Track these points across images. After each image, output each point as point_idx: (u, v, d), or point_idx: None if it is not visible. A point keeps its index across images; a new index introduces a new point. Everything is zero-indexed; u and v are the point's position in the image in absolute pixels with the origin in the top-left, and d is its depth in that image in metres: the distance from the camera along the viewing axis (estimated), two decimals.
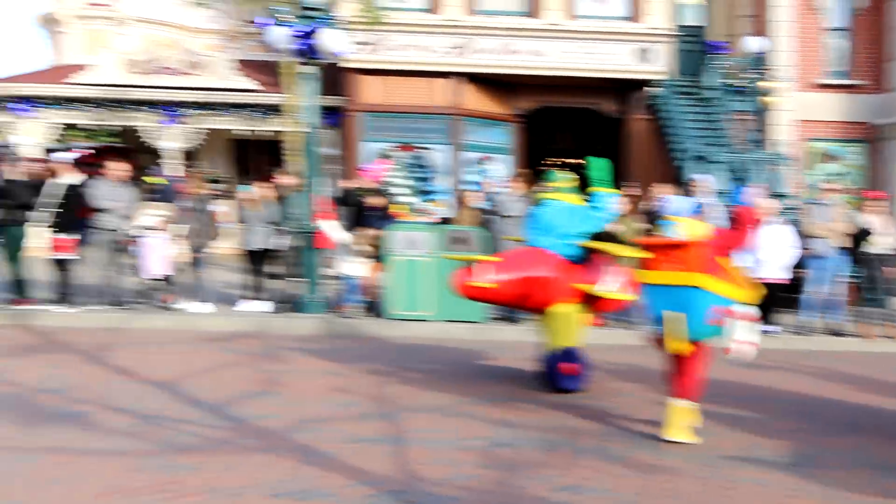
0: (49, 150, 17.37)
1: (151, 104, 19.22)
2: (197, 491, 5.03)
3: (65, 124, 19.81)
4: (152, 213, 11.36)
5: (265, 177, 12.34)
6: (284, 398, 7.30)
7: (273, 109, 18.11)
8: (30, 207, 10.82)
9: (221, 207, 11.91)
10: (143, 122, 19.42)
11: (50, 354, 8.96)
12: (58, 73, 20.24)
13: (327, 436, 6.16)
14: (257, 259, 11.42)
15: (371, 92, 18.71)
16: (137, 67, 19.21)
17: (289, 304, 11.23)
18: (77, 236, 10.86)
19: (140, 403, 6.93)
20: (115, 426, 6.30)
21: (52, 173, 11.21)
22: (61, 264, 11.03)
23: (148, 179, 16.23)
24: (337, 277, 11.32)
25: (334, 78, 18.05)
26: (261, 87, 19.09)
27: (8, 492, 4.97)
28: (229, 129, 20.04)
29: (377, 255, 11.19)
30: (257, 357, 9.03)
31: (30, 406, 6.82)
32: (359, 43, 17.05)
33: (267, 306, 11.24)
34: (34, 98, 19.22)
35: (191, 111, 19.30)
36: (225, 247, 11.85)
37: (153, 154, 19.69)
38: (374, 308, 11.10)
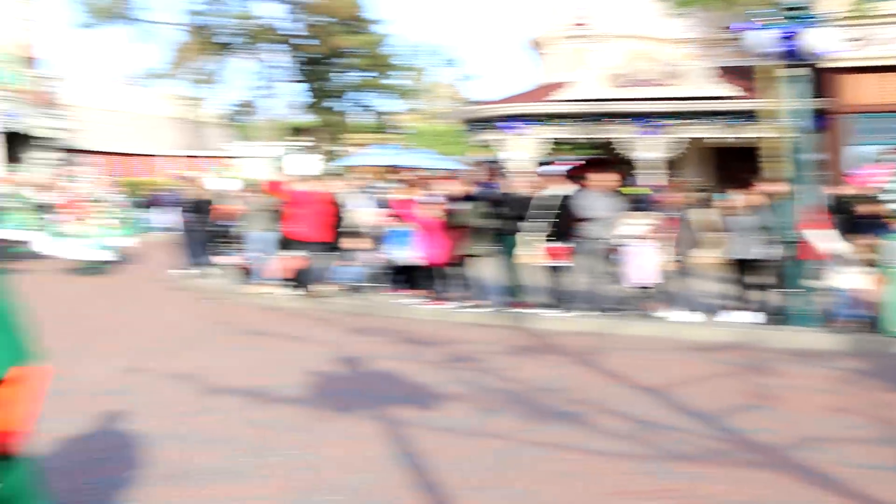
0: (541, 164, 18.60)
1: (630, 116, 19.71)
2: (699, 501, 5.04)
3: (553, 139, 21.08)
4: (634, 223, 11.62)
5: (745, 184, 12.00)
6: (779, 413, 7.04)
7: (752, 115, 17.62)
8: (522, 218, 11.66)
9: (704, 216, 11.81)
10: (621, 133, 19.98)
11: (544, 355, 9.58)
12: (543, 91, 21.62)
13: (830, 458, 5.81)
14: (742, 269, 11.14)
15: (859, 91, 17.45)
16: (617, 81, 19.86)
17: (778, 317, 10.78)
18: (570, 245, 11.46)
19: (633, 408, 7.13)
20: (611, 428, 6.55)
21: (542, 186, 11.96)
22: (555, 271, 11.71)
23: (626, 190, 16.64)
24: (829, 290, 10.64)
25: (813, 78, 17.09)
26: (739, 94, 18.67)
27: (528, 482, 5.39)
28: (705, 138, 19.89)
29: (874, 267, 10.34)
30: (747, 369, 8.80)
31: (531, 403, 7.34)
32: (845, 39, 15.97)
33: (755, 317, 10.90)
34: (524, 116, 20.71)
35: (668, 121, 19.47)
36: (708, 255, 11.71)
37: (628, 165, 20.17)
38: (873, 323, 10.24)
